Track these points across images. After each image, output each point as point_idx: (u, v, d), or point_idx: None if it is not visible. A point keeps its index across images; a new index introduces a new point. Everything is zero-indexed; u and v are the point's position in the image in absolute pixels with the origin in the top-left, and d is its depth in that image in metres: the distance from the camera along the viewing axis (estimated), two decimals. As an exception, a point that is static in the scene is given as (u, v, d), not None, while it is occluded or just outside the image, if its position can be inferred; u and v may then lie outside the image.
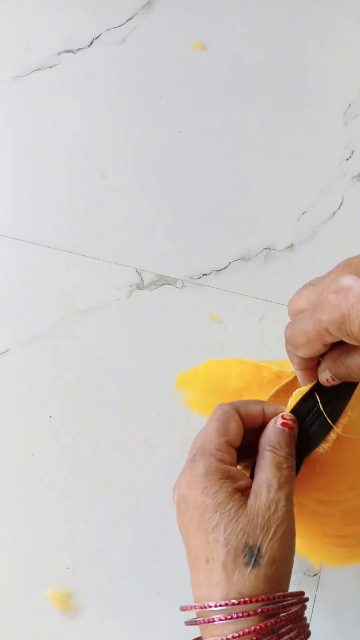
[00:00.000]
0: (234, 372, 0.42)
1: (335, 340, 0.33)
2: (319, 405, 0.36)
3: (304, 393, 0.36)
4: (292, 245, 0.57)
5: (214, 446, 0.34)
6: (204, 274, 0.56)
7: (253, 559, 0.31)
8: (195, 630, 0.33)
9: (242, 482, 0.33)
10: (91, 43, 0.61)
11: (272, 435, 0.35)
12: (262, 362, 0.41)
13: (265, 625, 0.30)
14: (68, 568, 0.50)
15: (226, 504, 0.32)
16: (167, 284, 0.56)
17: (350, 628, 0.50)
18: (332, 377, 0.35)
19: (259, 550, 0.31)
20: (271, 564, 0.31)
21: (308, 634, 0.32)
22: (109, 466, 0.51)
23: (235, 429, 0.35)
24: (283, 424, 0.35)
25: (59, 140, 0.59)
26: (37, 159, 0.58)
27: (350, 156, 0.59)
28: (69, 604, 0.49)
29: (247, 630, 0.29)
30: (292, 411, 0.36)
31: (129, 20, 0.61)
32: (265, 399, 0.39)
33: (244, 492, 0.33)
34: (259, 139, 0.59)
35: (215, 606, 0.30)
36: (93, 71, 0.60)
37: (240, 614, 0.30)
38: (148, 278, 0.56)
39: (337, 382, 0.35)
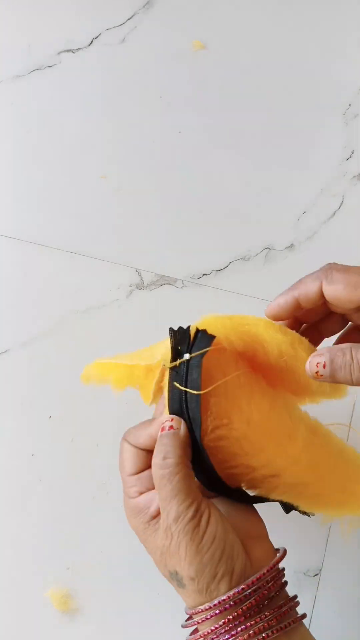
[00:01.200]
0: (112, 378, 0.40)
1: (338, 304, 0.33)
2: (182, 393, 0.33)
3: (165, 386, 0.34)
4: (292, 245, 0.57)
5: (123, 484, 0.36)
6: (204, 274, 0.56)
7: (180, 582, 0.33)
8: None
9: (152, 509, 0.34)
10: (91, 42, 0.61)
11: (156, 445, 0.34)
12: (131, 356, 0.40)
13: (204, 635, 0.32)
14: (68, 568, 0.50)
15: (146, 540, 0.34)
16: (167, 283, 0.56)
17: (351, 628, 0.50)
18: (326, 364, 0.33)
19: (177, 573, 0.32)
20: (191, 580, 0.32)
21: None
22: (109, 466, 0.51)
23: (129, 460, 0.36)
24: (162, 429, 0.34)
25: (58, 140, 0.59)
26: (36, 158, 0.58)
27: (350, 156, 0.59)
28: (69, 605, 0.49)
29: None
30: (173, 407, 0.34)
31: (129, 19, 0.61)
32: (150, 396, 0.38)
33: (153, 521, 0.34)
34: (258, 138, 0.59)
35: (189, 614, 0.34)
36: (93, 71, 0.60)
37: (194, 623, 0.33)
38: (148, 278, 0.56)
39: (323, 373, 0.33)
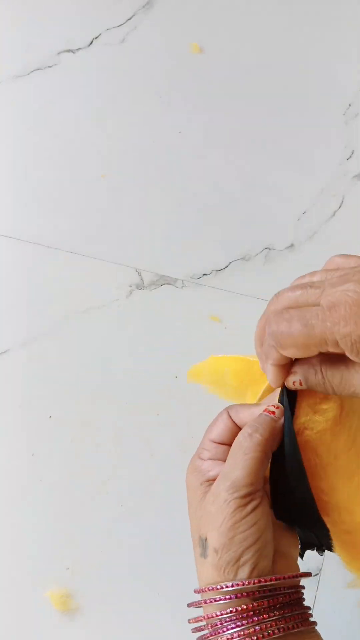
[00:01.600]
0: (229, 371, 0.41)
1: (336, 352, 0.31)
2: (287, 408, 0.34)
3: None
4: (292, 245, 0.57)
5: (200, 447, 0.36)
6: (204, 274, 0.56)
7: (204, 550, 0.33)
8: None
9: (211, 473, 0.34)
10: (91, 43, 0.61)
11: (250, 421, 0.35)
12: (254, 357, 0.41)
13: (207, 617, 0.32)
14: (68, 568, 0.50)
15: (192, 498, 0.34)
16: (167, 283, 0.56)
17: (351, 628, 0.50)
18: (302, 382, 0.33)
19: (206, 540, 0.32)
20: (213, 552, 0.32)
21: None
22: (108, 466, 0.51)
23: (219, 428, 0.36)
24: (266, 410, 0.34)
25: (58, 140, 0.59)
26: (36, 158, 0.58)
27: (350, 156, 0.59)
28: (69, 605, 0.49)
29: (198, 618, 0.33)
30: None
31: (128, 20, 0.61)
32: (259, 393, 0.39)
33: (211, 482, 0.34)
34: (259, 138, 0.59)
35: (197, 591, 0.34)
36: (93, 71, 0.60)
37: (196, 604, 0.33)
38: (148, 278, 0.56)
39: (302, 388, 0.33)
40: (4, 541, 0.50)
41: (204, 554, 0.33)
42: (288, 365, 0.34)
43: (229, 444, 0.35)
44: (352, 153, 0.59)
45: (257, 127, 0.60)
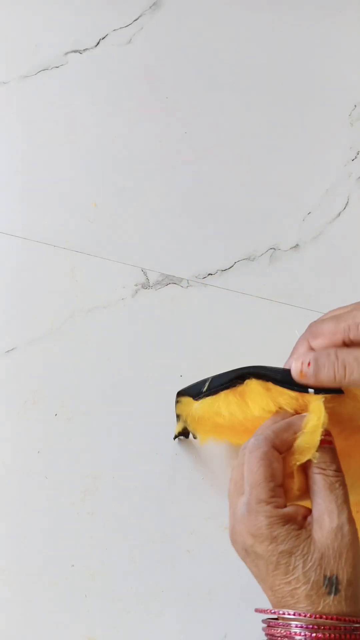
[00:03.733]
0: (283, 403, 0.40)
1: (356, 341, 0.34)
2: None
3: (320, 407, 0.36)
4: (297, 245, 0.57)
5: (267, 494, 0.35)
6: (209, 274, 0.56)
7: (334, 588, 0.33)
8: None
9: (300, 518, 0.35)
10: (98, 43, 0.61)
11: (316, 460, 0.35)
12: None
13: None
14: (72, 565, 0.50)
15: (297, 546, 0.34)
16: (173, 283, 0.56)
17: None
18: (309, 363, 0.35)
19: (337, 578, 0.33)
20: (348, 586, 0.33)
21: None
22: (114, 464, 0.52)
23: (280, 470, 0.36)
24: (322, 442, 0.35)
25: (65, 140, 0.59)
26: (43, 158, 0.59)
27: (355, 157, 0.59)
28: None
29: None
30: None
31: (135, 20, 0.62)
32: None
33: (306, 524, 0.35)
34: (264, 139, 0.60)
35: (299, 615, 0.34)
36: (100, 71, 0.61)
37: (323, 627, 0.33)
38: (153, 277, 0.56)
39: (308, 376, 0.35)
40: (9, 538, 0.51)
41: (335, 591, 0.33)
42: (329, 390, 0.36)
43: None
44: (358, 154, 0.59)
45: (263, 127, 0.60)
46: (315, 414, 0.36)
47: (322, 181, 0.59)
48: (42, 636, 0.49)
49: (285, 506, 0.35)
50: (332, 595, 0.33)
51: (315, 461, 0.35)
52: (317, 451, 0.35)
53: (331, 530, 0.34)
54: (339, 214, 0.58)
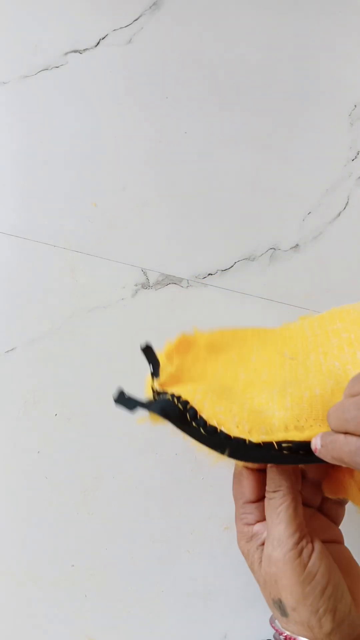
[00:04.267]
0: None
1: None
2: None
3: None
4: (297, 245, 0.57)
5: (239, 511, 0.36)
6: (209, 274, 0.56)
7: (283, 611, 0.32)
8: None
9: (263, 536, 0.35)
10: (98, 43, 0.61)
11: (268, 475, 0.35)
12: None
13: None
14: (73, 565, 0.50)
15: (253, 564, 0.35)
16: (173, 283, 0.56)
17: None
18: (322, 445, 0.31)
19: (280, 601, 0.32)
20: (292, 611, 0.32)
21: None
22: (114, 464, 0.52)
23: (248, 487, 0.36)
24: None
25: (64, 140, 0.59)
26: (43, 158, 0.59)
27: (355, 157, 0.59)
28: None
29: None
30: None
31: (135, 20, 0.62)
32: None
33: (262, 545, 0.35)
34: (264, 138, 0.60)
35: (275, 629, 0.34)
36: (99, 71, 0.61)
37: None
38: (153, 277, 0.56)
39: (320, 454, 0.31)
40: (8, 539, 0.51)
41: (284, 614, 0.33)
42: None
43: (260, 498, 0.36)
44: (358, 154, 0.59)
45: (263, 127, 0.60)
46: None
47: (322, 181, 0.59)
48: (42, 636, 0.49)
49: (255, 522, 0.35)
50: (285, 617, 0.32)
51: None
52: (269, 469, 0.35)
53: (265, 556, 0.33)
54: (339, 214, 0.58)
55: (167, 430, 0.52)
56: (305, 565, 0.32)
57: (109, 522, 0.51)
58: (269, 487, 0.34)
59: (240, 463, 0.36)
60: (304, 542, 0.32)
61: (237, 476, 0.37)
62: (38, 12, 0.62)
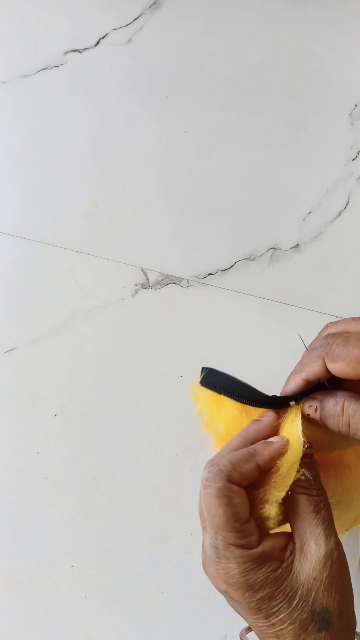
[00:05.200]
0: (222, 418, 0.37)
1: None
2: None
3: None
4: (297, 245, 0.57)
5: (235, 537, 0.30)
6: (209, 274, 0.56)
7: (325, 623, 0.29)
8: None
9: (277, 552, 0.31)
10: (97, 42, 0.61)
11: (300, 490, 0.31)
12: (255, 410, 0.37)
13: None
14: (72, 566, 0.50)
15: (277, 589, 0.30)
16: (173, 283, 0.56)
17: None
18: (317, 408, 0.31)
19: (327, 611, 0.29)
20: (340, 617, 0.29)
21: None
22: (113, 465, 0.52)
23: (243, 506, 0.31)
24: (304, 455, 0.31)
25: (65, 139, 0.59)
26: (42, 157, 0.59)
27: (356, 156, 0.59)
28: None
29: None
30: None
31: (135, 19, 0.61)
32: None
33: (285, 557, 0.30)
34: (264, 138, 0.59)
35: None
36: (99, 71, 0.60)
37: None
38: (153, 277, 0.56)
39: (315, 416, 0.31)
40: (9, 539, 0.51)
41: (327, 626, 0.29)
42: (311, 389, 0.32)
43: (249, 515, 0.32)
44: (358, 154, 0.59)
45: (263, 127, 0.60)
46: (292, 429, 0.32)
47: (323, 181, 0.59)
48: (42, 636, 0.49)
49: (258, 543, 0.31)
50: (324, 631, 0.29)
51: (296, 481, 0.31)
52: (295, 470, 0.30)
53: (319, 559, 0.29)
54: (340, 214, 0.58)
55: (167, 430, 0.52)
56: (346, 566, 0.30)
57: (108, 522, 0.51)
58: (313, 485, 0.31)
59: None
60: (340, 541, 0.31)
61: (221, 497, 0.30)
62: (38, 12, 0.61)
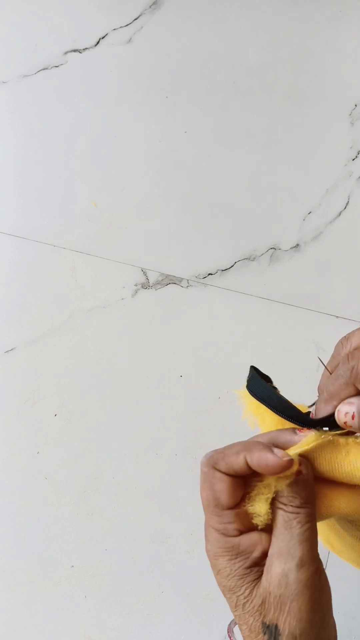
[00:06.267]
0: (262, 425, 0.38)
1: None
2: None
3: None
4: (297, 245, 0.57)
5: (215, 519, 0.31)
6: (209, 274, 0.56)
7: (272, 638, 0.29)
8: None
9: (257, 553, 0.30)
10: (97, 43, 0.61)
11: (283, 489, 0.30)
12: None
13: None
14: (72, 566, 0.50)
15: (240, 586, 0.30)
16: (173, 283, 0.56)
17: (354, 626, 0.50)
18: (355, 415, 0.30)
19: (276, 628, 0.29)
20: (291, 639, 0.29)
21: None
22: (113, 464, 0.52)
23: (224, 492, 0.31)
24: (298, 474, 0.31)
25: (65, 139, 0.59)
26: (43, 157, 0.58)
27: (356, 156, 0.59)
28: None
29: None
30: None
31: (135, 20, 0.61)
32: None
33: (260, 563, 0.30)
34: (264, 139, 0.59)
35: None
36: (99, 71, 0.60)
37: None
38: (153, 277, 0.56)
39: (352, 424, 0.30)
40: (9, 538, 0.51)
41: None
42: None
43: (243, 500, 0.31)
44: (358, 154, 0.59)
45: (263, 127, 0.60)
46: (303, 443, 0.32)
47: (323, 181, 0.59)
48: (42, 636, 0.49)
49: (240, 533, 0.31)
50: None
51: (279, 492, 0.31)
52: (284, 482, 0.30)
53: (276, 575, 0.29)
54: (340, 214, 0.58)
55: (167, 430, 0.52)
56: (321, 590, 0.30)
57: (108, 522, 0.51)
58: (292, 501, 0.30)
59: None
60: (321, 566, 0.30)
61: (206, 480, 0.32)
62: (38, 12, 0.61)
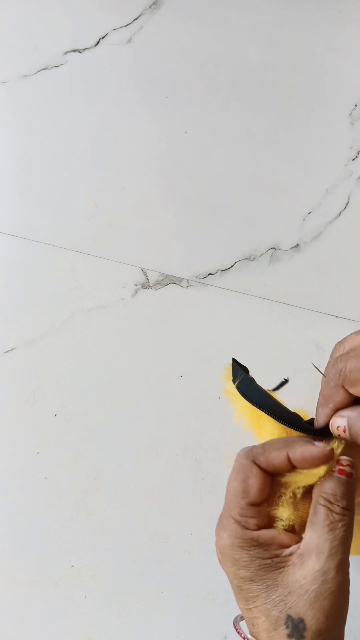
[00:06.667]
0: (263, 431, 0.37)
1: None
2: None
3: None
4: (297, 245, 0.57)
5: (237, 511, 0.31)
6: (209, 274, 0.56)
7: (296, 632, 0.29)
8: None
9: (275, 546, 0.31)
10: (97, 43, 0.61)
11: (327, 484, 0.31)
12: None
13: None
14: (72, 566, 0.50)
15: (260, 577, 0.30)
16: (173, 283, 0.56)
17: (354, 626, 0.50)
18: (346, 429, 0.31)
19: (302, 622, 0.29)
20: (315, 636, 0.29)
21: None
22: (113, 465, 0.52)
23: (255, 487, 0.32)
24: (340, 471, 0.31)
25: (64, 139, 0.59)
26: (43, 158, 0.59)
27: (356, 156, 0.59)
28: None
29: None
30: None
31: (135, 20, 0.62)
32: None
33: (281, 554, 0.31)
34: (264, 138, 0.59)
35: None
36: (99, 71, 0.60)
37: None
38: (153, 277, 0.56)
39: (345, 436, 0.31)
40: (8, 539, 0.51)
41: (295, 636, 0.29)
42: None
43: (268, 498, 0.32)
44: (358, 154, 0.59)
45: (263, 127, 0.60)
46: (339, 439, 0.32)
47: (323, 181, 0.59)
48: (42, 636, 0.49)
49: (258, 528, 0.31)
50: (293, 639, 0.29)
51: (324, 490, 0.31)
52: (328, 479, 0.31)
53: (313, 571, 0.29)
54: (340, 214, 0.58)
55: (167, 430, 0.52)
56: (347, 593, 0.30)
57: (108, 522, 0.51)
58: (340, 502, 0.30)
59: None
60: (348, 568, 0.30)
61: (240, 472, 0.32)
62: (38, 12, 0.61)
